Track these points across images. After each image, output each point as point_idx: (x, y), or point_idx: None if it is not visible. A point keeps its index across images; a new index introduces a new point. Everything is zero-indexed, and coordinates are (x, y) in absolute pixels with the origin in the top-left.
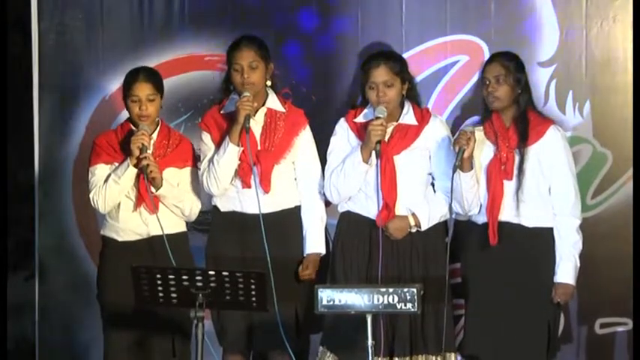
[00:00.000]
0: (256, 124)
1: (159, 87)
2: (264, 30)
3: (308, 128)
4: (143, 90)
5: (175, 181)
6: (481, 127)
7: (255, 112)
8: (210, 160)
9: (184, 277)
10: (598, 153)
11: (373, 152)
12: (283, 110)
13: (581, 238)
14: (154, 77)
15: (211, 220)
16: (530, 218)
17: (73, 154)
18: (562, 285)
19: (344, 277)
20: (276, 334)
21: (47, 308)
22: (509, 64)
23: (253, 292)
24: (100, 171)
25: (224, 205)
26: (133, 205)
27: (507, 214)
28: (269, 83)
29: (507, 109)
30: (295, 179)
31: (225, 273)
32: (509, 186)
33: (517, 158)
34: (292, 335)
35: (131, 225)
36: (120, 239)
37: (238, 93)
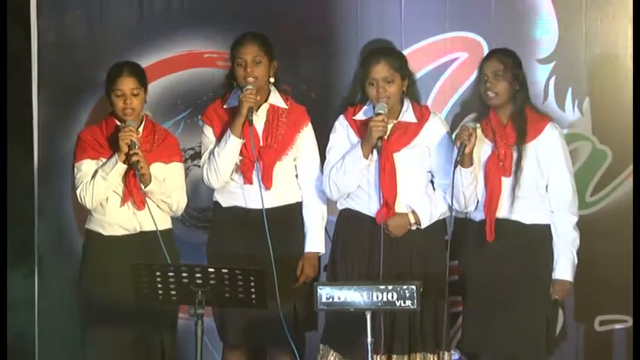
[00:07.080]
0: (258, 120)
1: (143, 81)
2: (263, 27)
3: (310, 126)
4: (127, 84)
5: (162, 176)
6: (479, 124)
7: (258, 108)
8: (211, 153)
9: (184, 274)
10: (597, 150)
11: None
12: (285, 107)
13: (579, 234)
14: (137, 72)
15: (212, 217)
16: (528, 215)
17: (72, 151)
18: (560, 282)
19: (345, 275)
20: (276, 331)
21: (47, 305)
22: (508, 60)
23: (253, 290)
24: (86, 167)
25: (226, 201)
26: (120, 201)
27: (505, 210)
28: (272, 80)
29: (504, 105)
30: (296, 176)
31: (224, 270)
32: (506, 183)
33: (515, 155)
34: (290, 332)
35: (119, 220)
36: (105, 233)
37: (241, 88)
